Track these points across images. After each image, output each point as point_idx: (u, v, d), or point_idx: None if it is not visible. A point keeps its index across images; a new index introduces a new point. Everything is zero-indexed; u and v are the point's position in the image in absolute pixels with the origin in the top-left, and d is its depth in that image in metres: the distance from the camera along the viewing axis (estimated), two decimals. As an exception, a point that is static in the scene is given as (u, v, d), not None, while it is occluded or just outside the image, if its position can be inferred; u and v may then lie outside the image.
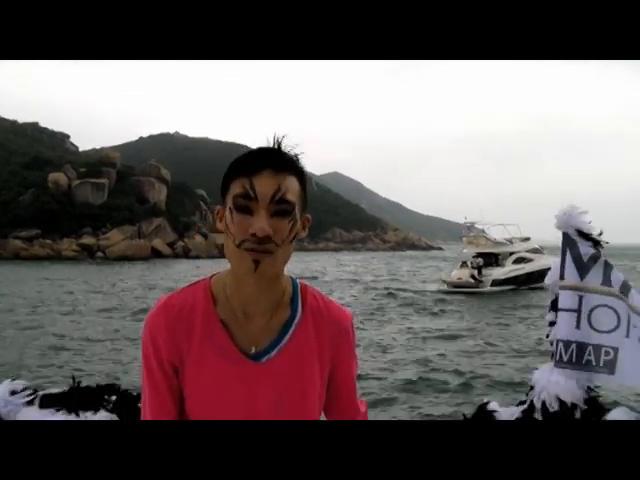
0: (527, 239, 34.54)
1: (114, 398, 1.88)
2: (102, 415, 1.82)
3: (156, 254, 72.19)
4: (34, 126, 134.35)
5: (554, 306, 1.83)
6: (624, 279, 1.80)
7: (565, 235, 1.83)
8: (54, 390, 1.91)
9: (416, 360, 13.13)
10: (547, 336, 1.86)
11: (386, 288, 31.66)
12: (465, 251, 32.68)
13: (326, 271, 48.30)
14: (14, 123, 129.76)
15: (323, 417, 1.34)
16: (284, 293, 1.26)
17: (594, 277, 1.79)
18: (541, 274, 25.71)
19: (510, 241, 33.37)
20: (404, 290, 30.77)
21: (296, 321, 1.25)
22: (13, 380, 1.87)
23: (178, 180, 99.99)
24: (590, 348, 1.76)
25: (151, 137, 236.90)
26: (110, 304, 23.07)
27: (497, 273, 30.31)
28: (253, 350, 1.22)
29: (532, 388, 1.83)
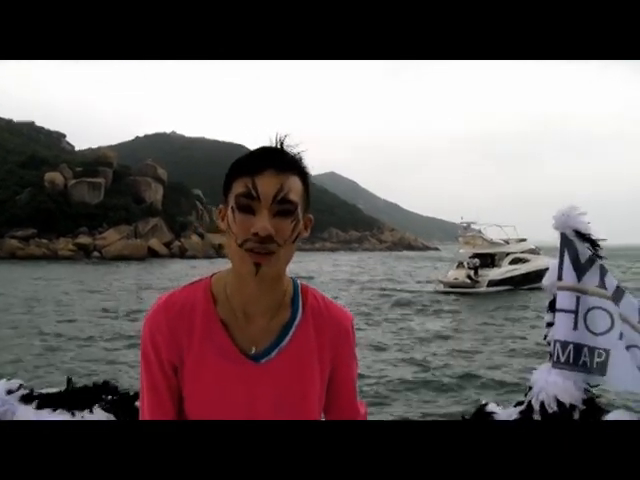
0: (523, 240, 34.63)
1: (111, 398, 1.88)
2: (99, 415, 1.81)
3: (152, 254, 72.12)
4: (30, 125, 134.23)
5: (552, 307, 1.83)
6: (617, 284, 1.80)
7: (563, 236, 1.83)
8: (51, 390, 1.90)
9: (412, 360, 13.14)
10: (545, 337, 1.86)
11: (382, 288, 31.69)
12: (461, 251, 32.75)
13: (322, 271, 48.30)
14: (10, 122, 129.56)
15: (323, 418, 1.34)
16: (285, 294, 1.25)
17: (591, 279, 1.79)
18: (537, 275, 25.76)
19: (506, 242, 33.47)
20: (400, 290, 30.79)
21: (296, 322, 1.24)
22: (9, 380, 1.86)
23: (174, 180, 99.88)
24: (586, 349, 1.77)
25: (147, 137, 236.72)
26: (106, 304, 23.04)
27: (493, 274, 30.36)
28: (253, 351, 1.21)
29: (530, 389, 1.83)
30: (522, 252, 32.56)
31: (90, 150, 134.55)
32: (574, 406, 1.74)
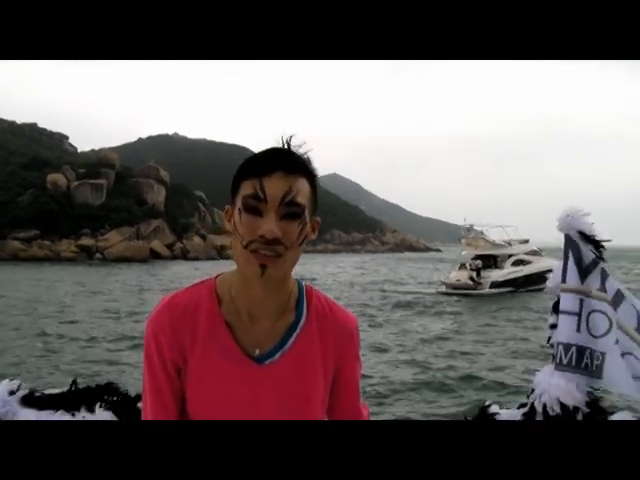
0: (526, 241, 34.61)
1: (113, 399, 1.88)
2: (101, 415, 1.81)
3: (154, 255, 72.08)
4: (33, 127, 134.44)
5: (556, 309, 1.82)
6: (618, 288, 1.79)
7: (567, 237, 1.81)
8: (53, 391, 1.90)
9: (413, 361, 13.13)
10: (549, 339, 1.85)
11: (384, 290, 31.67)
12: (464, 253, 32.72)
13: (324, 272, 48.28)
14: (12, 124, 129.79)
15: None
16: (290, 296, 1.24)
17: (593, 281, 1.78)
18: (540, 276, 25.77)
19: (509, 243, 33.43)
20: (402, 292, 30.77)
21: (301, 324, 1.24)
22: (11, 380, 1.86)
23: (177, 181, 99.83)
24: (588, 352, 1.76)
25: (150, 138, 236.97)
26: (108, 305, 23.05)
27: (496, 275, 30.35)
28: (257, 352, 1.20)
29: (533, 391, 1.82)
30: (524, 254, 32.53)
31: (92, 152, 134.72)
32: (577, 408, 1.74)
